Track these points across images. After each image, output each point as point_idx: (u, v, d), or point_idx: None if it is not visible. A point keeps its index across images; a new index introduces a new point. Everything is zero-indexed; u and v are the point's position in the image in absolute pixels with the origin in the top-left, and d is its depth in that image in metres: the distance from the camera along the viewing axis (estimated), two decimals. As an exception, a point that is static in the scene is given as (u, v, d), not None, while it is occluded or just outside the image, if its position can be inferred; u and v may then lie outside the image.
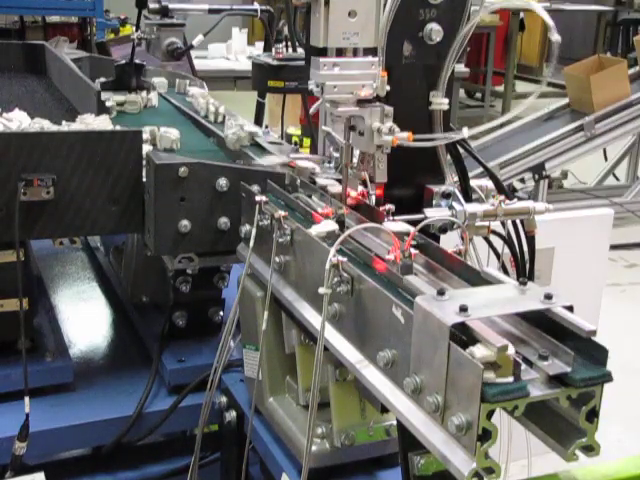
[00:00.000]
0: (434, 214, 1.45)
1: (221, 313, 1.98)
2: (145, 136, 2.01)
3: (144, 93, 2.37)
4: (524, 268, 1.69)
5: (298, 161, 1.69)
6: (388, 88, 1.45)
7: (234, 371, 1.80)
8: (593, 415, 1.00)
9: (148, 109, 2.37)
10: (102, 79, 2.38)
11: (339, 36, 1.41)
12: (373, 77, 1.43)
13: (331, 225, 1.33)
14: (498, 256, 1.68)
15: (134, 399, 1.78)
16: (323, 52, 1.43)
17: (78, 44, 8.31)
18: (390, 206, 1.44)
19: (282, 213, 1.41)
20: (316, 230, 1.30)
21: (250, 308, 1.56)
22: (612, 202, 5.98)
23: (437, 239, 1.52)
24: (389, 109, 1.43)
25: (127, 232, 1.94)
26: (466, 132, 1.53)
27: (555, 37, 1.35)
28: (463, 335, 1.00)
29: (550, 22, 1.38)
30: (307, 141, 4.50)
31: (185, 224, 1.63)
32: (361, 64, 1.43)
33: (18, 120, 1.82)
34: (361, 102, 1.45)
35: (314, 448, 1.43)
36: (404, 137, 1.42)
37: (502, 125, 6.36)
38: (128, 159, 1.66)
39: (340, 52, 1.43)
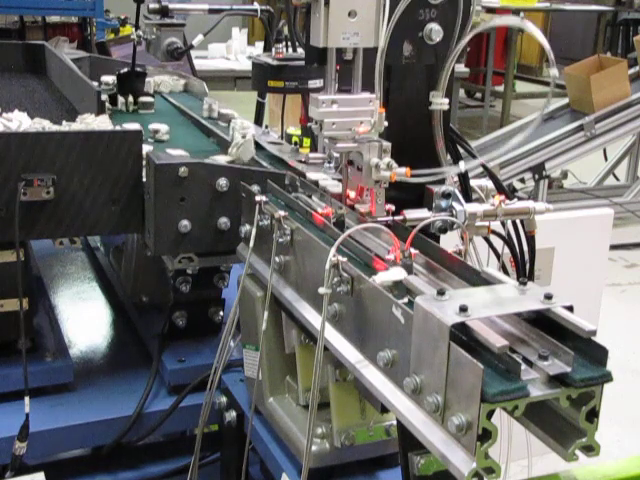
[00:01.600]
0: (413, 215, 1.44)
1: (221, 313, 1.98)
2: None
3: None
4: (524, 268, 1.69)
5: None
6: (386, 124, 1.44)
7: (234, 371, 1.80)
8: (593, 415, 1.00)
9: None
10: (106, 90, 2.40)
11: (339, 36, 1.41)
12: (371, 113, 1.42)
13: (398, 273, 1.16)
14: (498, 256, 1.68)
15: (134, 399, 1.78)
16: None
17: (78, 44, 8.30)
18: (390, 206, 1.44)
19: (282, 213, 1.41)
20: (381, 279, 1.15)
21: (250, 308, 1.56)
22: (612, 202, 5.98)
23: (437, 239, 1.52)
24: (387, 144, 1.42)
25: (127, 232, 1.94)
26: (462, 166, 1.53)
27: (553, 72, 1.31)
28: (463, 335, 1.00)
29: (546, 46, 1.28)
30: (307, 141, 4.49)
31: (185, 224, 1.63)
32: (359, 101, 1.43)
33: (18, 120, 1.81)
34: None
35: (314, 448, 1.43)
36: (402, 172, 1.41)
37: (502, 125, 6.37)
38: (128, 159, 1.66)
39: (340, 58, 1.43)
